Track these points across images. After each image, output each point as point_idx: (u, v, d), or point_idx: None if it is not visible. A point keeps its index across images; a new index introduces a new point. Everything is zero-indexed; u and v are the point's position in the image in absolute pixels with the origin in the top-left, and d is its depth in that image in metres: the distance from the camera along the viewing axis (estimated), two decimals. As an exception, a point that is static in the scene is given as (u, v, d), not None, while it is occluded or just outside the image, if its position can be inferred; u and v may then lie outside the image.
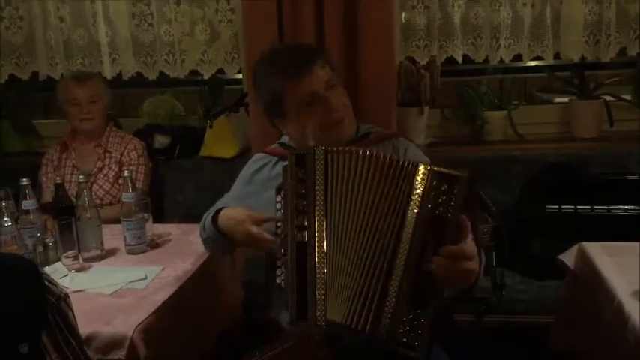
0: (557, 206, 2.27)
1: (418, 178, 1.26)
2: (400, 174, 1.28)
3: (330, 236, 1.31)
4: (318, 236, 1.31)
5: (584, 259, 1.74)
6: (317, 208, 1.32)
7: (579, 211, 2.25)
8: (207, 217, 1.62)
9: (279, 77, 1.52)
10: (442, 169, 1.26)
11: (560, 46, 2.58)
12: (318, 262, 1.30)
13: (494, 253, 2.08)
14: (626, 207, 2.22)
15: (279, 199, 1.42)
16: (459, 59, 2.62)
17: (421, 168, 1.27)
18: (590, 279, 1.66)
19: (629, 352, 1.35)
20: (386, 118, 2.42)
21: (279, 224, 1.42)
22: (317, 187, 1.33)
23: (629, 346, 1.35)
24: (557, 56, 2.62)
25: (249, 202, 1.63)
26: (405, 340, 1.23)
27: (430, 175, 1.25)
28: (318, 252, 1.30)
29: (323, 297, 1.29)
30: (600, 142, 2.59)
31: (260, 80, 1.60)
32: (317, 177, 1.33)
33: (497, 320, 2.13)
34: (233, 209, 1.58)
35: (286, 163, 1.40)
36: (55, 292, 1.17)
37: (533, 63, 2.74)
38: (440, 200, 1.23)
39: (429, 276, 1.22)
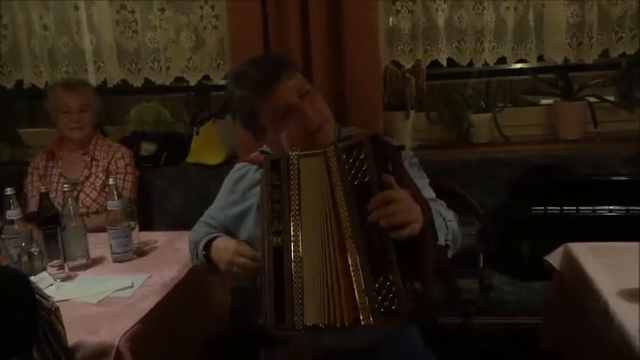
0: (542, 207, 2.28)
1: (330, 161, 1.30)
2: (320, 164, 1.31)
3: (305, 240, 1.31)
4: (293, 241, 1.31)
5: (570, 259, 1.75)
6: (292, 212, 1.32)
7: (565, 211, 2.26)
8: (200, 245, 1.61)
9: (250, 95, 1.52)
10: (344, 143, 1.31)
11: (544, 49, 2.60)
12: (294, 266, 1.30)
13: (481, 255, 2.08)
14: (611, 207, 2.24)
15: None
16: (444, 62, 2.64)
17: (328, 149, 1.31)
18: (576, 279, 1.67)
19: (615, 350, 1.36)
20: (372, 123, 2.43)
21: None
22: (291, 192, 1.33)
23: (615, 345, 1.35)
24: (541, 59, 2.64)
25: (234, 210, 1.65)
26: (382, 310, 1.20)
27: (336, 152, 1.29)
28: (294, 257, 1.30)
29: (300, 302, 1.28)
30: (585, 143, 2.61)
31: (233, 100, 1.60)
32: (291, 181, 1.34)
33: (486, 322, 2.14)
34: (224, 241, 1.58)
35: None
36: (46, 306, 1.16)
37: (518, 66, 2.76)
38: (353, 170, 1.27)
39: (378, 240, 1.22)
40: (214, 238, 1.59)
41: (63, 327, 1.20)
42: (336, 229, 1.27)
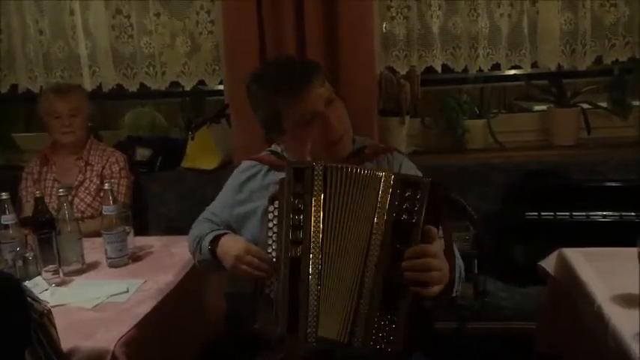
0: (537, 213, 2.29)
1: (382, 187, 1.27)
2: (367, 184, 1.29)
3: (326, 253, 1.31)
4: (313, 252, 1.30)
5: (564, 264, 1.75)
6: (314, 224, 1.31)
7: (559, 217, 2.28)
8: (206, 239, 1.59)
9: (278, 96, 1.48)
10: (405, 175, 1.30)
11: (538, 56, 2.62)
12: (312, 278, 1.30)
13: (475, 261, 2.09)
14: (604, 213, 2.25)
15: (271, 208, 1.41)
16: (439, 69, 2.65)
17: (384, 175, 1.28)
18: (571, 284, 1.68)
19: (610, 354, 1.36)
20: (368, 129, 2.43)
21: (270, 243, 1.41)
22: (314, 203, 1.32)
23: (610, 349, 1.36)
24: (534, 65, 2.66)
25: (239, 210, 1.62)
26: (378, 346, 1.25)
27: (393, 182, 1.27)
28: (312, 268, 1.30)
29: (315, 314, 1.29)
30: (578, 149, 2.63)
31: (257, 97, 1.56)
32: (315, 192, 1.32)
33: (481, 327, 2.14)
34: (233, 238, 1.56)
35: (282, 174, 1.38)
36: (38, 309, 1.15)
37: (512, 72, 2.78)
38: (404, 206, 1.25)
39: (399, 280, 1.24)
40: (223, 234, 1.57)
41: (55, 330, 1.20)
42: (364, 253, 1.27)
